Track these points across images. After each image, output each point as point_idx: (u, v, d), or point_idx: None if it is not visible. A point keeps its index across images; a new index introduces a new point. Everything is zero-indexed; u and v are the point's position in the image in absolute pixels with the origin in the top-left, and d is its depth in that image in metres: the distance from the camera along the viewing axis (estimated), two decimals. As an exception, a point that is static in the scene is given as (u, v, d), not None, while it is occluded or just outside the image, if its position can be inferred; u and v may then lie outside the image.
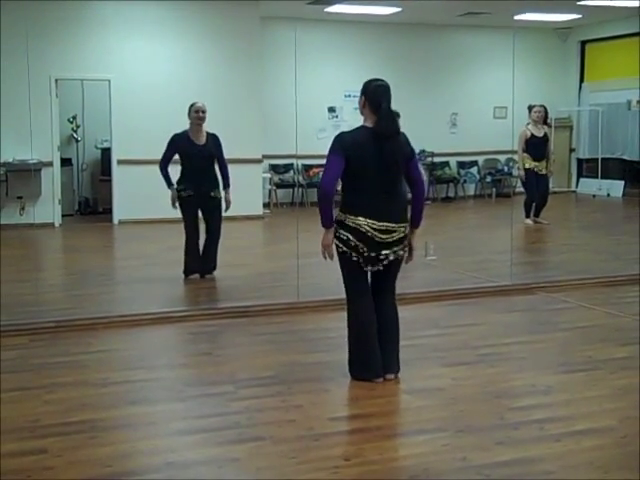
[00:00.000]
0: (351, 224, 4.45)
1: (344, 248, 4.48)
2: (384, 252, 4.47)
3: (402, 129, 4.60)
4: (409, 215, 4.62)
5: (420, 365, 4.89)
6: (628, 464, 3.48)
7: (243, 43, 12.50)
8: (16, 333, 5.62)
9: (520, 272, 7.55)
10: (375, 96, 4.47)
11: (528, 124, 11.02)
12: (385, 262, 4.51)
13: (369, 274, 4.62)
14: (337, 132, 4.59)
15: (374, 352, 4.56)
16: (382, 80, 4.57)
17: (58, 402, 4.29)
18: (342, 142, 4.44)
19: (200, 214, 7.53)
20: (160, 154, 7.49)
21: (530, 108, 11.09)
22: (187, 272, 7.51)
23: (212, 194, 7.42)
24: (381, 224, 4.44)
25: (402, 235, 4.52)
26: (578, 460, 3.51)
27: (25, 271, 8.30)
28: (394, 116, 4.54)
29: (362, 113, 4.56)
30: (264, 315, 6.19)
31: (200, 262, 7.52)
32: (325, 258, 4.56)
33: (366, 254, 4.46)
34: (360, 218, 4.43)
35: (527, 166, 11.01)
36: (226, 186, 7.51)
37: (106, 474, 3.41)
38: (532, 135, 10.95)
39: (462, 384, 4.58)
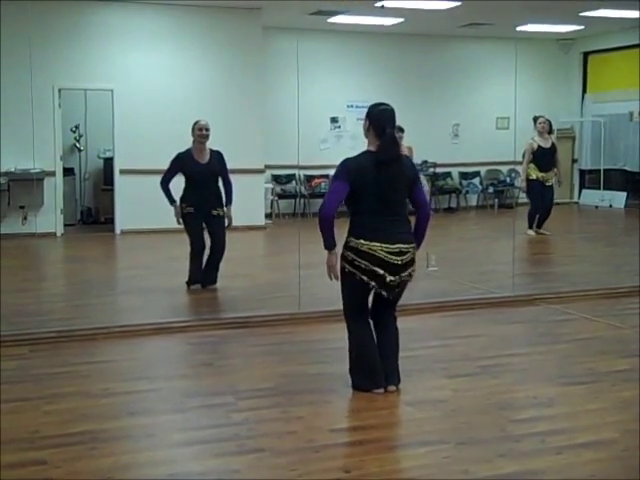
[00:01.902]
0: (367, 250, 4.44)
1: (361, 276, 4.46)
2: (402, 275, 4.50)
3: (404, 141, 4.61)
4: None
5: (421, 376, 4.88)
6: (629, 477, 3.46)
7: (245, 53, 12.53)
8: (16, 343, 5.61)
9: (522, 283, 7.54)
10: (379, 121, 4.49)
11: (533, 137, 11.01)
12: (400, 286, 4.55)
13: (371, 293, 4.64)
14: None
15: (375, 364, 4.57)
16: (387, 104, 4.59)
17: (58, 413, 4.28)
18: (347, 168, 4.46)
19: (205, 226, 7.54)
20: (162, 164, 7.50)
21: (535, 119, 11.09)
22: (190, 282, 7.51)
23: (214, 212, 7.40)
24: (395, 247, 4.46)
25: (413, 256, 4.57)
26: (579, 473, 3.50)
27: (26, 281, 8.31)
28: (397, 142, 4.58)
29: (366, 136, 4.59)
30: (265, 326, 6.19)
31: (202, 273, 7.52)
32: (331, 279, 4.57)
33: (387, 279, 4.46)
34: (375, 243, 4.44)
35: (533, 177, 10.98)
36: (228, 202, 7.49)
37: (106, 486, 3.40)
38: (539, 146, 10.93)
39: (463, 396, 4.57)
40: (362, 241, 4.45)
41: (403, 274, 4.52)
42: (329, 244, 4.50)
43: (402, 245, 4.48)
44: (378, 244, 4.44)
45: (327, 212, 4.45)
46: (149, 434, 4.00)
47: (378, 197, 4.45)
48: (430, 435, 3.97)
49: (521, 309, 6.80)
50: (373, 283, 4.48)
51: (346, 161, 4.52)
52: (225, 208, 7.48)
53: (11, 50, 11.21)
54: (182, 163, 7.33)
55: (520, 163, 11.46)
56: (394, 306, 4.71)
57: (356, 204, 4.51)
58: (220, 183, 7.51)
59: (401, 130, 9.79)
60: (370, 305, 4.71)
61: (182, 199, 7.40)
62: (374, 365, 4.58)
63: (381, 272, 4.45)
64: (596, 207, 15.04)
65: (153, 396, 4.63)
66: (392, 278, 4.47)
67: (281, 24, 13.01)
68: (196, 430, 4.05)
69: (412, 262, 4.57)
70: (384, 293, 4.52)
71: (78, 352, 5.52)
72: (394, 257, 4.46)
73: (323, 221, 4.47)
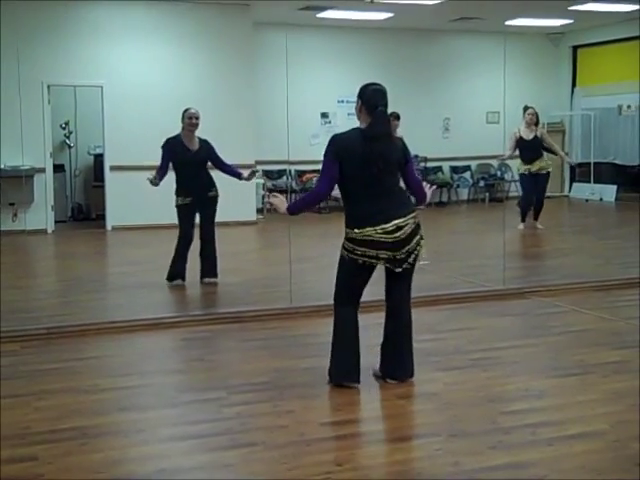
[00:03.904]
0: (362, 238, 4.43)
1: (364, 259, 4.45)
2: (407, 248, 4.47)
3: (399, 133, 4.60)
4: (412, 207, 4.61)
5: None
6: (620, 468, 3.48)
7: (235, 48, 12.51)
8: (7, 340, 5.59)
9: (513, 277, 7.55)
10: (372, 99, 4.47)
11: (519, 127, 11.00)
12: (412, 257, 4.51)
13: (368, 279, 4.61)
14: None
15: (352, 355, 4.54)
16: (379, 84, 4.57)
17: (49, 409, 4.28)
18: (335, 144, 4.46)
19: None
20: (152, 160, 7.48)
21: (525, 109, 11.09)
22: (171, 278, 7.52)
23: (210, 194, 7.43)
24: (390, 225, 4.43)
25: (414, 227, 4.50)
26: (570, 464, 3.51)
27: (17, 277, 8.28)
28: (388, 119, 4.55)
29: (358, 118, 4.56)
30: (257, 321, 6.19)
31: (185, 269, 7.52)
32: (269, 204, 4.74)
33: (392, 257, 4.45)
34: (368, 229, 4.42)
35: (521, 170, 11.03)
36: (239, 175, 7.49)
37: (97, 481, 3.40)
38: (521, 138, 10.91)
39: (455, 389, 4.57)
40: (356, 230, 4.44)
41: (409, 246, 4.47)
42: (293, 211, 4.65)
43: (398, 221, 4.44)
44: (371, 228, 4.41)
45: (321, 190, 4.54)
46: (140, 429, 4.00)
47: (366, 175, 4.42)
48: (421, 428, 3.99)
49: (512, 302, 6.82)
50: (375, 261, 4.45)
51: (334, 137, 4.52)
52: (244, 179, 7.50)
53: (-1, 46, 11.17)
54: (173, 149, 7.32)
55: (510, 158, 11.47)
56: (407, 286, 4.64)
57: (346, 184, 4.48)
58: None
59: (397, 118, 9.74)
60: (385, 289, 4.66)
61: (177, 194, 7.39)
62: (350, 356, 4.54)
63: (383, 253, 4.43)
64: (586, 200, 15.08)
65: (144, 391, 4.63)
66: (398, 255, 4.45)
67: (271, 19, 13.00)
68: (188, 425, 4.05)
69: (415, 232, 4.51)
70: (391, 267, 4.48)
71: (69, 348, 5.51)
72: (390, 236, 4.42)
73: (313, 200, 4.64)
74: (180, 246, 7.48)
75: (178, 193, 7.39)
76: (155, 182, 7.26)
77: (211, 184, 7.47)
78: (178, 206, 7.40)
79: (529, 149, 10.96)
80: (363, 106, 4.49)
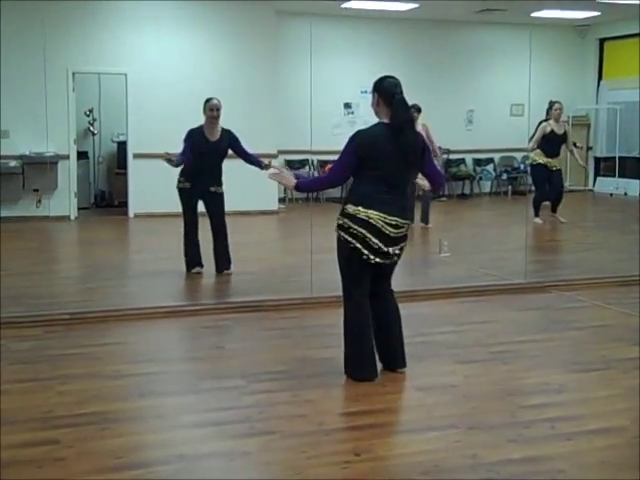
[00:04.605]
0: (363, 217, 4.40)
1: (355, 244, 4.43)
2: (394, 247, 4.47)
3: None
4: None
5: (433, 362, 4.88)
6: (639, 464, 3.46)
7: (259, 38, 12.51)
8: (31, 324, 5.66)
9: (534, 270, 7.52)
10: (388, 90, 4.47)
11: (547, 119, 10.93)
12: (394, 258, 4.52)
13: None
14: (353, 128, 4.61)
15: (371, 352, 4.55)
16: (392, 77, 4.57)
17: (71, 393, 4.32)
18: (359, 140, 4.44)
19: (205, 210, 7.57)
20: (175, 148, 7.51)
21: (551, 104, 11.01)
22: (189, 267, 7.56)
23: (212, 189, 7.44)
24: (392, 218, 4.43)
25: (406, 232, 4.57)
26: (589, 459, 3.50)
27: (41, 263, 8.36)
28: (407, 105, 4.54)
29: (377, 113, 4.55)
30: (277, 310, 6.20)
31: (200, 255, 7.56)
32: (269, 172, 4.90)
33: (378, 248, 4.42)
34: (372, 211, 4.40)
35: (538, 161, 10.92)
36: (261, 164, 7.40)
37: (117, 465, 3.42)
38: (552, 131, 10.84)
39: (475, 381, 4.57)
40: (360, 208, 4.40)
41: (395, 247, 4.48)
42: (302, 189, 4.98)
43: (399, 219, 4.45)
44: (376, 212, 4.40)
45: (334, 179, 4.61)
46: (160, 415, 4.03)
47: (389, 168, 4.41)
48: (440, 420, 3.97)
49: (533, 296, 6.79)
50: (367, 252, 4.41)
51: (358, 133, 4.49)
52: (263, 168, 7.34)
53: (25, 34, 11.26)
54: (194, 139, 7.35)
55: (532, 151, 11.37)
56: (389, 283, 4.68)
57: (364, 173, 4.46)
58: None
59: (418, 111, 9.69)
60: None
61: (181, 173, 7.45)
62: (370, 353, 4.53)
63: (375, 241, 4.40)
64: (611, 195, 14.96)
65: (164, 378, 4.66)
66: (385, 249, 4.42)
67: (295, 9, 12.98)
68: (207, 412, 4.08)
69: (404, 238, 4.54)
70: (379, 260, 4.44)
71: (91, 334, 5.56)
72: (389, 228, 4.42)
73: (325, 183, 4.83)
74: (188, 233, 7.53)
75: (182, 174, 7.44)
76: (170, 160, 7.23)
77: (218, 181, 7.47)
78: (179, 189, 7.46)
79: (558, 144, 10.90)
80: (380, 98, 4.49)
